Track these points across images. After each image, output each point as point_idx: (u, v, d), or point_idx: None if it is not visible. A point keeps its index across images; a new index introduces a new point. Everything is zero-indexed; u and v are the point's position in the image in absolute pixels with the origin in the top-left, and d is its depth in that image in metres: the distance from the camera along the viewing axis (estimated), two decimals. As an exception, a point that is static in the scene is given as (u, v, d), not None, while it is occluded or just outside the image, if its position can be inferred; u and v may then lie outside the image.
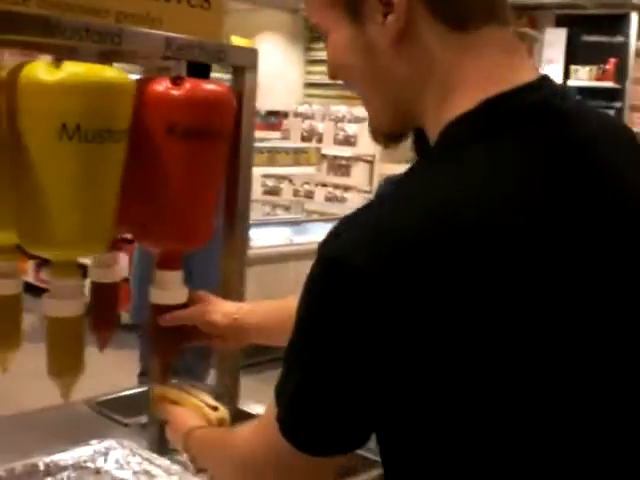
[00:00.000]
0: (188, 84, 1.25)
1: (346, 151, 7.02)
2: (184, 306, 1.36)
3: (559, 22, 7.65)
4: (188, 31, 1.37)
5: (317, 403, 0.79)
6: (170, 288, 1.34)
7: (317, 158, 5.71)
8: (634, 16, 7.30)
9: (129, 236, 1.39)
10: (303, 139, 7.04)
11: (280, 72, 8.64)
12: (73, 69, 1.11)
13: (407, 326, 0.72)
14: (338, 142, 7.07)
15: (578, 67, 7.40)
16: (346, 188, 7.07)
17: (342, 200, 7.01)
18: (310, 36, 9.18)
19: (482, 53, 0.82)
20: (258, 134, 4.71)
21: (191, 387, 1.38)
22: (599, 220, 0.79)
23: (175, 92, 1.23)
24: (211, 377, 1.85)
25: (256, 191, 5.49)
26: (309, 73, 9.35)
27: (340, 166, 7.15)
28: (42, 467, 1.48)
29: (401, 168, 0.94)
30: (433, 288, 0.72)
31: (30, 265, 5.49)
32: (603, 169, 0.82)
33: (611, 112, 6.70)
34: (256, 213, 5.04)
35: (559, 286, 0.75)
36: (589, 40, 7.45)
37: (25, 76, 1.10)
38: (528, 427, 0.76)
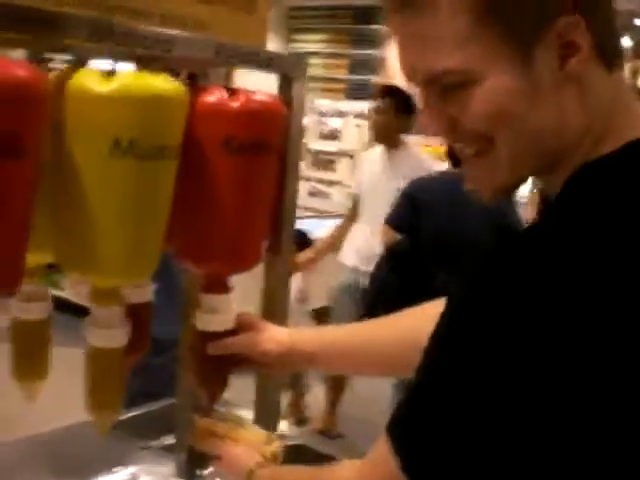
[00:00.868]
0: (243, 96, 1.16)
1: (330, 146, 6.94)
2: (232, 332, 1.26)
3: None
4: (232, 35, 1.27)
5: (455, 454, 0.74)
6: (219, 313, 1.25)
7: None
8: None
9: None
10: (287, 133, 6.94)
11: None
12: (127, 79, 1.00)
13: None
14: (322, 137, 6.99)
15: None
16: (330, 183, 7.00)
17: (326, 195, 6.94)
18: (293, 27, 9.06)
19: (624, 95, 0.80)
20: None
21: (234, 416, 1.29)
22: None
23: (233, 104, 1.13)
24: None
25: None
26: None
27: (324, 161, 7.07)
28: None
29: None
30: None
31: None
32: None
33: None
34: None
35: None
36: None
37: (74, 85, 0.99)
38: None
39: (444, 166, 3.62)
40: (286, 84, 1.32)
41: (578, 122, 0.78)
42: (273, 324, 1.30)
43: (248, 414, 1.41)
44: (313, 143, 6.83)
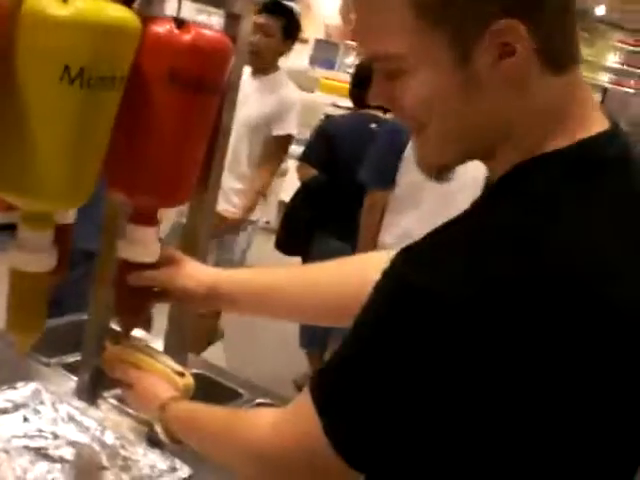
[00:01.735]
0: (193, 30, 1.15)
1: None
2: (154, 265, 1.27)
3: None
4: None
5: (371, 415, 0.79)
6: (142, 245, 1.26)
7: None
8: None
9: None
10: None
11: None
12: (82, 4, 0.98)
13: (484, 362, 0.73)
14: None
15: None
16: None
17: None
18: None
19: (575, 95, 0.82)
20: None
21: (146, 347, 1.31)
22: None
23: (182, 37, 1.13)
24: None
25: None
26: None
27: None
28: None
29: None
30: (520, 334, 0.72)
31: None
32: None
33: None
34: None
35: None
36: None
37: (29, 8, 0.96)
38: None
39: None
40: (233, 22, 1.31)
41: (514, 121, 0.81)
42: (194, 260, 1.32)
43: (158, 344, 1.43)
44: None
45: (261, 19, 3.35)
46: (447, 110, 0.82)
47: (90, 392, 1.54)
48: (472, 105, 0.81)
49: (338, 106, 6.39)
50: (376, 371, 0.78)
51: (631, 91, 10.31)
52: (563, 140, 0.80)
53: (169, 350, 1.45)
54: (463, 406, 0.75)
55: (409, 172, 2.93)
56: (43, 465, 1.33)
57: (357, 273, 1.17)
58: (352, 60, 8.05)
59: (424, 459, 0.80)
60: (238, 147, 3.32)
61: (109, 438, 1.44)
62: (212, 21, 4.07)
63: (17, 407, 1.49)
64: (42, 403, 1.51)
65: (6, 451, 1.33)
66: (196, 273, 1.28)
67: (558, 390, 0.74)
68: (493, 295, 0.72)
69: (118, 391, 1.62)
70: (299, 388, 3.59)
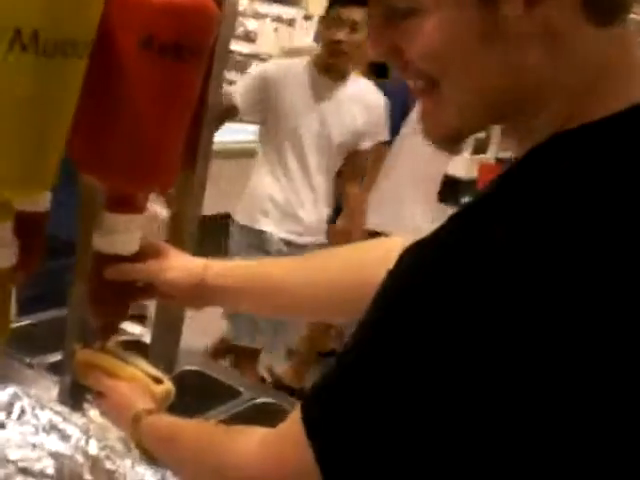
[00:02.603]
0: (168, -11, 1.00)
1: (244, 47, 6.69)
2: (136, 257, 1.13)
3: None
4: None
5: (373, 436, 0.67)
6: (119, 234, 1.11)
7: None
8: None
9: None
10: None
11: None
12: (33, -44, 0.84)
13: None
14: (236, 37, 6.71)
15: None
16: (241, 86, 6.76)
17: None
18: None
19: (626, 54, 0.69)
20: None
21: (120, 350, 1.17)
22: None
23: (156, -2, 0.98)
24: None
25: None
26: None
27: (236, 62, 6.80)
28: None
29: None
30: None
31: None
32: None
33: None
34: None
35: None
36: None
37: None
38: None
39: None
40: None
41: (545, 78, 0.67)
42: (182, 252, 1.18)
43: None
44: (226, 43, 6.55)
45: (347, 12, 2.74)
46: (466, 63, 0.68)
47: (73, 395, 1.41)
48: (497, 58, 0.67)
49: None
50: (375, 379, 0.66)
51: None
52: (614, 104, 0.66)
53: (158, 345, 1.31)
54: (478, 429, 0.63)
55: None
56: (20, 481, 1.21)
57: (375, 257, 1.04)
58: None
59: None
60: (307, 157, 2.95)
61: (93, 448, 1.31)
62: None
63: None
64: (22, 409, 1.38)
65: (-22, 466, 1.21)
66: (184, 264, 1.14)
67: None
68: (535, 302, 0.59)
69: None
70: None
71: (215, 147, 1.26)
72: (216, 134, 1.29)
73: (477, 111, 0.71)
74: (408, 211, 3.51)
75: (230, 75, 6.76)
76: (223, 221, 3.26)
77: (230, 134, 3.39)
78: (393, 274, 0.67)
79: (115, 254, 1.11)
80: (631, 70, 0.68)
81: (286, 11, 7.02)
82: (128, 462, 1.27)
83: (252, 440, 0.82)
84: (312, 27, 8.21)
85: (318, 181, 2.98)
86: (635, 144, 0.65)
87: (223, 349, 3.40)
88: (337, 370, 0.71)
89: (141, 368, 1.12)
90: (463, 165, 8.72)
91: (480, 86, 0.69)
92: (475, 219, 0.66)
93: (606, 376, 0.61)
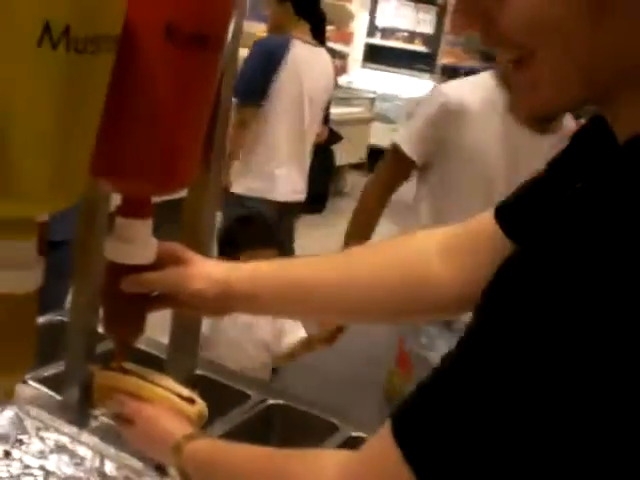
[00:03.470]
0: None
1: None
2: (152, 265, 1.04)
3: None
4: None
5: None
6: (137, 242, 1.02)
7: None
8: None
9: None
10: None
11: None
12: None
13: None
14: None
15: None
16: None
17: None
18: None
19: None
20: None
21: (141, 368, 1.07)
22: None
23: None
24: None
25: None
26: None
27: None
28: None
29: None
30: None
31: None
32: None
33: None
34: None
35: None
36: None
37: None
38: None
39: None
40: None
41: None
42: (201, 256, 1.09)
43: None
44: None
45: None
46: (568, 33, 0.61)
47: (81, 412, 1.32)
48: (599, 29, 0.61)
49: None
50: (479, 394, 0.58)
51: None
52: None
53: (176, 351, 1.22)
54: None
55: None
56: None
57: (415, 251, 0.98)
58: None
59: None
60: None
61: (109, 468, 1.22)
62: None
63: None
64: (25, 432, 1.28)
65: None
66: (207, 272, 1.05)
67: None
68: None
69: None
70: None
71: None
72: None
73: (575, 88, 0.65)
74: None
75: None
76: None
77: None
78: (519, 283, 0.60)
79: (132, 264, 1.02)
80: None
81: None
82: (148, 480, 1.19)
83: (327, 465, 0.74)
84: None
85: None
86: None
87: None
88: (442, 385, 0.63)
89: (169, 387, 1.02)
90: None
91: (581, 61, 0.63)
92: (603, 220, 0.59)
93: None
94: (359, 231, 2.17)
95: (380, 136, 8.30)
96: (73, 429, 1.28)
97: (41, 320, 1.66)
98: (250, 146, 3.38)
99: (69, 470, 1.21)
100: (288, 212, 3.55)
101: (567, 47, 0.62)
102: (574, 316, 0.55)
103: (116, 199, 1.08)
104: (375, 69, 9.22)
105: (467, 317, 0.66)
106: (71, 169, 0.83)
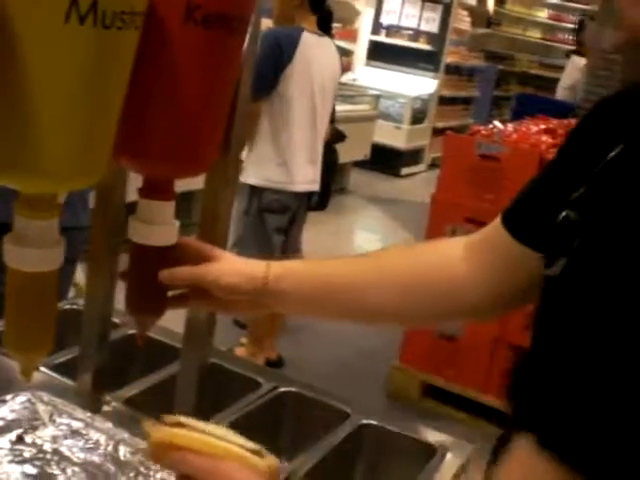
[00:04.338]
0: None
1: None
2: (183, 258, 1.04)
3: None
4: None
5: None
6: (163, 224, 1.02)
7: None
8: None
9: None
10: None
11: None
12: None
13: None
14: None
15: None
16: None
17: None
18: None
19: None
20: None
21: (195, 421, 0.91)
22: None
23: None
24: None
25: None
26: None
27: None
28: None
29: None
30: None
31: None
32: None
33: None
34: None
35: None
36: None
37: None
38: None
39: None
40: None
41: None
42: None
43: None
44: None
45: None
46: None
47: (94, 397, 1.31)
48: None
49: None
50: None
51: None
52: None
53: (191, 341, 1.21)
54: None
55: None
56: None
57: (442, 256, 0.98)
58: None
59: None
60: None
61: (123, 453, 1.21)
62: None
63: (9, 425, 1.24)
64: (38, 418, 1.27)
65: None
66: (242, 268, 1.05)
67: None
68: None
69: (125, 392, 1.41)
70: None
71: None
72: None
73: None
74: None
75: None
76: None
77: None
78: None
79: (157, 246, 1.02)
80: None
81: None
82: (166, 466, 1.18)
83: None
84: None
85: None
86: None
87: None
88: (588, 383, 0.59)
89: (235, 442, 0.88)
90: (402, 136, 8.76)
91: None
92: None
93: None
94: None
95: (384, 134, 8.31)
96: (87, 414, 1.27)
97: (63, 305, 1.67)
98: (263, 137, 3.38)
99: (83, 455, 1.20)
100: (303, 202, 3.56)
101: None
102: None
103: (131, 188, 1.09)
104: (379, 67, 9.20)
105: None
106: (95, 147, 0.83)
